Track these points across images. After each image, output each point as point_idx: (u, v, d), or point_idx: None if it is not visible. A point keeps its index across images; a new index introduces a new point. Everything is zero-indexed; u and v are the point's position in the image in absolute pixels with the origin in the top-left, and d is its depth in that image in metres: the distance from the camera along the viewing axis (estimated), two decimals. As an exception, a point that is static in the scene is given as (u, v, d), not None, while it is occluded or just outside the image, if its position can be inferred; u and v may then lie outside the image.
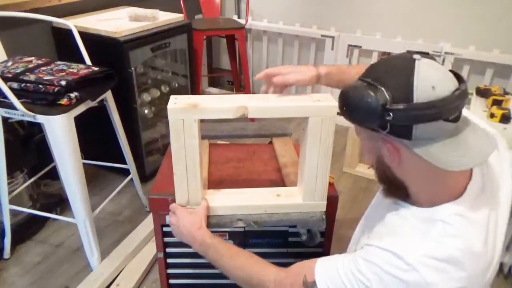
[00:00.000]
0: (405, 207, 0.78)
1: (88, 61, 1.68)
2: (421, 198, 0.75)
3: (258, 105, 0.95)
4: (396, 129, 0.67)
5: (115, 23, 2.03)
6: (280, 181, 1.27)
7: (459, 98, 0.66)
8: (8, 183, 1.66)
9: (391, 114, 0.65)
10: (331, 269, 0.77)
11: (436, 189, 0.73)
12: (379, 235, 0.78)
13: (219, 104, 0.95)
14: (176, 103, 0.94)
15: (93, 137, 2.01)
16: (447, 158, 0.67)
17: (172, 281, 1.33)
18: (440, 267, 0.66)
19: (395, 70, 0.69)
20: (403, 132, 0.67)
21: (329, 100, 0.98)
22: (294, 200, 1.10)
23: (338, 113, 0.83)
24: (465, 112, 0.72)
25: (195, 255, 1.27)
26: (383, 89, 0.66)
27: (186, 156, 0.98)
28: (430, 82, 0.65)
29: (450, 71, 0.70)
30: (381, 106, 0.66)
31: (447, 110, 0.65)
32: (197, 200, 1.05)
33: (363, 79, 0.71)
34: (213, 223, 1.07)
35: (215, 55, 3.50)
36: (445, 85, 0.66)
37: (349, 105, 0.71)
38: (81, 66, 1.60)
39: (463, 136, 0.69)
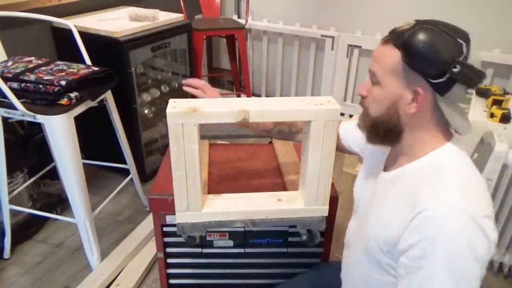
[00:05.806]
0: (404, 171, 0.81)
1: (88, 61, 1.68)
2: (414, 147, 0.80)
3: (259, 108, 0.93)
4: (443, 82, 0.70)
5: (115, 23, 2.03)
6: (280, 182, 1.27)
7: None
8: (8, 183, 1.66)
9: (458, 67, 0.69)
10: None
11: (434, 138, 0.79)
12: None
13: (220, 108, 0.92)
14: (176, 107, 0.91)
15: (93, 137, 2.01)
16: (460, 122, 0.75)
17: (172, 281, 1.33)
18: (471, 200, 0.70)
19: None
20: (444, 87, 0.71)
21: (331, 103, 0.95)
22: (295, 205, 1.08)
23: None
24: None
25: (195, 255, 1.28)
26: (463, 43, 0.70)
27: (186, 161, 0.95)
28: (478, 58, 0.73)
29: None
30: (454, 57, 0.69)
31: (480, 83, 0.73)
32: (197, 206, 1.03)
33: (439, 27, 0.71)
34: (212, 227, 1.07)
35: (215, 55, 3.50)
36: (479, 65, 0.73)
37: (425, 48, 0.70)
38: (81, 66, 1.59)
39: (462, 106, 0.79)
